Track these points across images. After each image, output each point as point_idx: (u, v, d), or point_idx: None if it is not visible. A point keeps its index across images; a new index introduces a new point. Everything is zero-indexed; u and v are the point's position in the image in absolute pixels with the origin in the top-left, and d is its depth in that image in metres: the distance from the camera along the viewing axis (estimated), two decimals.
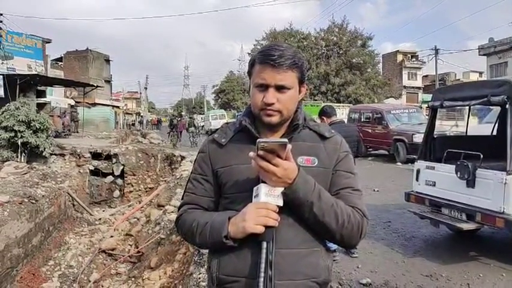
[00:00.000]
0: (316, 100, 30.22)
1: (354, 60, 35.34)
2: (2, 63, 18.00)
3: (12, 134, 9.90)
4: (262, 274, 1.06)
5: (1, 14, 18.54)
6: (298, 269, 1.14)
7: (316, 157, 1.22)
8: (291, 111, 1.23)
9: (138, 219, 9.42)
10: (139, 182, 11.73)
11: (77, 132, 20.63)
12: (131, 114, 54.06)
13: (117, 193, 11.65)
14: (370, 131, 13.86)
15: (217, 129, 1.34)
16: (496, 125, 5.48)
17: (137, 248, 7.60)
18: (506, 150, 3.83)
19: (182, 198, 1.34)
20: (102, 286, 6.64)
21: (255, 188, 1.14)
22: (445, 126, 15.78)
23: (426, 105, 17.26)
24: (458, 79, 40.96)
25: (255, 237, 1.10)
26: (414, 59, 44.65)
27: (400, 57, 45.61)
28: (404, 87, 44.01)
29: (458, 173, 4.15)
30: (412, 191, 4.97)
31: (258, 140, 1.07)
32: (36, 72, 18.34)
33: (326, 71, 34.47)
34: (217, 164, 1.26)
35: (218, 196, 1.28)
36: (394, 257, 4.42)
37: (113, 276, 6.97)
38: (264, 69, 1.18)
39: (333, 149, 1.26)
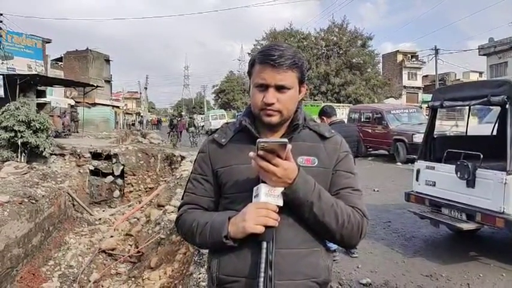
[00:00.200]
0: (316, 100, 30.23)
1: (354, 60, 35.34)
2: (2, 63, 18.00)
3: (12, 134, 9.90)
4: (262, 274, 1.06)
5: (1, 14, 18.55)
6: (298, 269, 1.14)
7: (316, 157, 1.22)
8: (291, 111, 1.23)
9: (138, 219, 9.42)
10: (139, 182, 11.73)
11: (77, 132, 20.63)
12: (131, 114, 54.06)
13: (117, 193, 11.65)
14: (370, 131, 13.86)
15: (217, 129, 1.34)
16: (496, 125, 5.48)
17: (137, 248, 7.60)
18: (506, 150, 3.83)
19: (182, 198, 1.34)
20: (102, 286, 6.64)
21: (255, 188, 1.14)
22: (445, 126, 15.78)
23: (426, 105, 17.26)
24: (458, 79, 40.96)
25: (255, 237, 1.10)
26: (414, 59, 44.66)
27: (400, 57, 45.61)
28: (404, 87, 44.01)
29: (458, 173, 4.15)
30: (412, 191, 4.97)
31: (258, 140, 1.07)
32: (36, 72, 18.34)
33: (326, 71, 34.48)
34: (217, 164, 1.26)
35: (218, 196, 1.28)
36: (394, 257, 4.42)
37: (113, 276, 6.97)
38: (264, 69, 1.18)
39: (333, 149, 1.26)
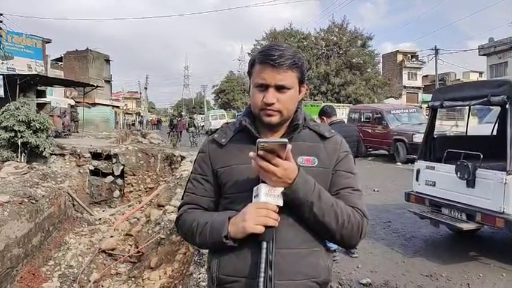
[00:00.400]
0: (316, 100, 30.23)
1: (354, 60, 35.35)
2: (2, 63, 18.00)
3: (12, 134, 9.90)
4: (262, 274, 1.06)
5: (1, 14, 18.55)
6: (298, 269, 1.14)
7: (316, 157, 1.22)
8: (291, 111, 1.23)
9: (138, 219, 9.42)
10: (139, 182, 11.73)
11: (77, 132, 20.63)
12: (131, 114, 54.06)
13: (117, 193, 11.65)
14: (370, 131, 13.86)
15: (217, 129, 1.34)
16: (496, 125, 5.48)
17: (137, 248, 7.60)
18: (506, 150, 3.83)
19: (182, 198, 1.34)
20: (102, 286, 6.64)
21: (255, 188, 1.14)
22: (445, 126, 15.78)
23: (426, 105, 17.26)
24: (458, 79, 40.96)
25: (255, 237, 1.10)
26: (414, 59, 44.66)
27: (400, 57, 45.61)
28: (404, 87, 44.01)
29: (458, 173, 4.15)
30: (412, 191, 4.97)
31: (258, 140, 1.07)
32: (36, 72, 18.34)
33: (326, 71, 34.48)
34: (217, 164, 1.26)
35: (218, 196, 1.28)
36: (394, 257, 4.42)
37: (113, 276, 6.97)
38: (264, 69, 1.18)
39: (333, 149, 1.26)
